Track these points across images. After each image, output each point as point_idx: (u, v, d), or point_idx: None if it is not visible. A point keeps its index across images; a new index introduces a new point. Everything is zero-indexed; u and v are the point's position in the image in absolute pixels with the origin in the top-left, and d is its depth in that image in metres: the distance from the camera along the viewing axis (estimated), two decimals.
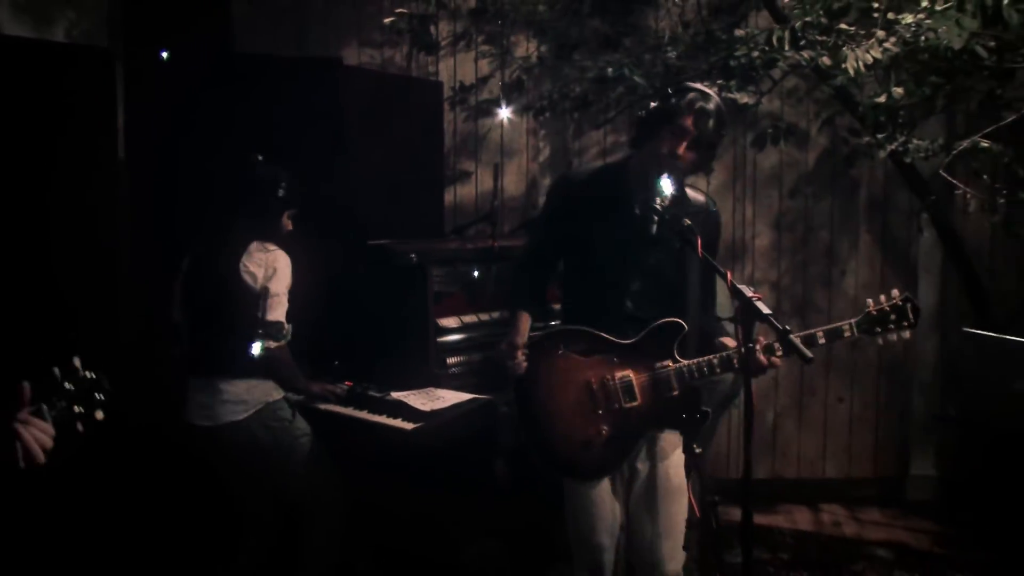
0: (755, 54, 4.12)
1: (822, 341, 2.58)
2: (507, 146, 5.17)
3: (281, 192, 3.37)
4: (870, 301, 2.62)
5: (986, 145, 3.54)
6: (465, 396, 3.55)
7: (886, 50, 3.36)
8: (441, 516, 3.62)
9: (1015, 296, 4.71)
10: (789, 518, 4.83)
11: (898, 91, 3.89)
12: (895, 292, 2.61)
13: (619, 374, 2.71)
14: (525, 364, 2.83)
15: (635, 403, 2.70)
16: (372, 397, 3.56)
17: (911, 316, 2.59)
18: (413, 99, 4.76)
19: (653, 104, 2.73)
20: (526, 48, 5.09)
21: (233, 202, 3.39)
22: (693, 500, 2.64)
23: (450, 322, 3.84)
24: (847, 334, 2.59)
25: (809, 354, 2.26)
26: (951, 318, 4.90)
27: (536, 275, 3.05)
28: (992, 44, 3.63)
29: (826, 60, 3.87)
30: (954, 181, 3.66)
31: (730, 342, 2.71)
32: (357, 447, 3.53)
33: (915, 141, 4.00)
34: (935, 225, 4.60)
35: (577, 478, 2.82)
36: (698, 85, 2.78)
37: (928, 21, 3.49)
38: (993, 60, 3.67)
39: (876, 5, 3.81)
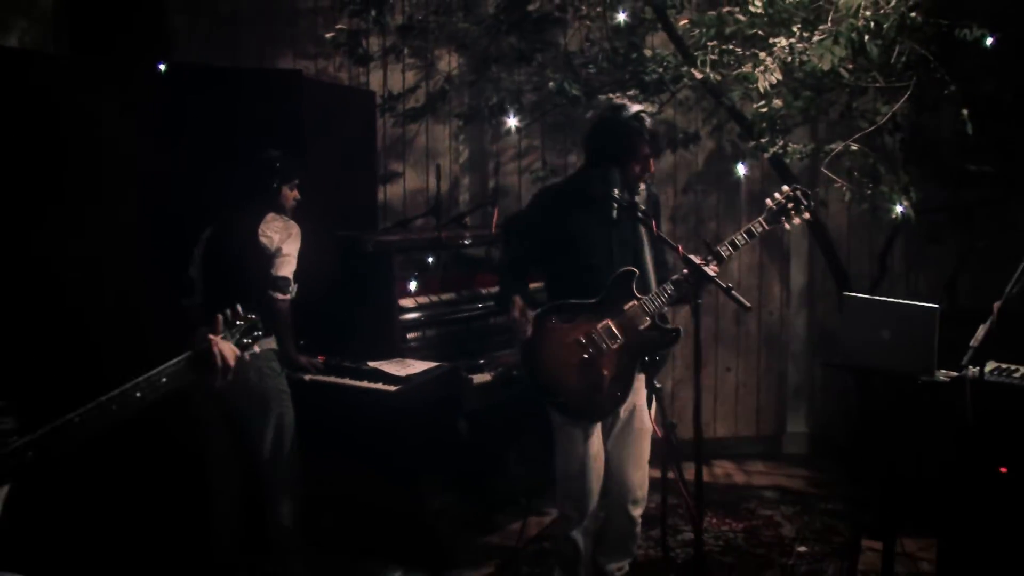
0: (661, 70, 4.85)
1: (742, 241, 3.29)
2: (431, 149, 5.72)
3: (279, 167, 3.89)
4: (768, 200, 3.41)
5: (855, 148, 4.32)
6: (432, 364, 4.10)
7: (768, 69, 4.04)
8: (410, 471, 4.14)
9: (867, 276, 5.56)
10: (688, 472, 5.55)
11: (778, 103, 4.65)
12: (784, 188, 3.38)
13: (599, 324, 3.33)
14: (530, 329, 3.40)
15: (620, 341, 3.33)
16: (349, 367, 4.08)
17: (804, 200, 3.34)
18: (351, 107, 5.26)
19: (611, 138, 3.37)
20: (448, 61, 5.65)
21: (245, 183, 3.87)
22: (655, 424, 3.30)
23: (407, 302, 4.38)
24: (759, 229, 3.34)
25: (747, 304, 2.95)
26: (818, 295, 5.75)
27: (522, 269, 3.65)
28: (850, 67, 4.42)
29: (717, 77, 4.63)
30: (833, 177, 4.41)
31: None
32: (339, 412, 4.02)
33: (791, 145, 4.78)
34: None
35: (591, 418, 3.44)
36: (635, 108, 3.43)
37: (801, 46, 4.26)
38: (852, 80, 4.48)
39: (759, 32, 4.56)
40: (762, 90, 4.06)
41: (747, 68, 4.17)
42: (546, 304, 3.48)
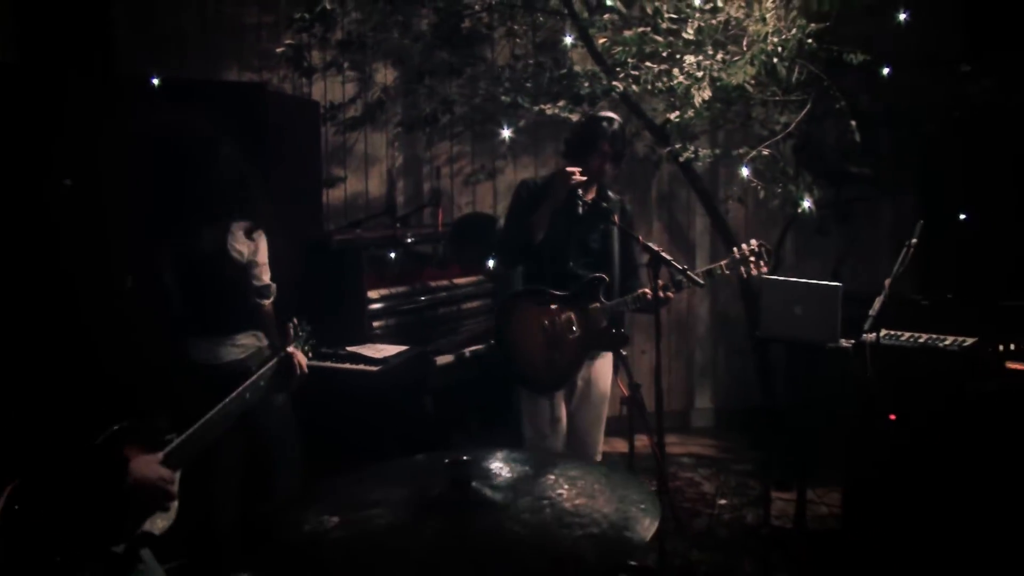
0: (587, 85, 5.44)
1: (703, 278, 3.87)
2: (370, 155, 6.16)
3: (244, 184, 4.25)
4: (734, 249, 3.98)
5: (765, 153, 5.00)
6: (402, 347, 4.57)
7: (701, 88, 4.66)
8: (384, 442, 4.59)
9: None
10: (610, 445, 6.16)
11: (690, 114, 5.29)
12: (753, 241, 3.98)
13: (563, 315, 3.88)
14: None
15: (577, 334, 3.88)
16: (329, 352, 4.50)
17: (766, 257, 3.95)
18: (299, 116, 5.65)
19: (578, 133, 3.92)
20: (385, 74, 6.11)
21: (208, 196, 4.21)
22: (623, 386, 3.87)
23: (372, 294, 4.84)
24: (720, 272, 3.92)
25: (701, 281, 3.56)
26: (720, 286, 6.44)
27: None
28: (753, 83, 5.10)
29: (636, 89, 5.24)
30: (751, 178, 5.06)
31: (643, 290, 3.93)
32: (327, 392, 4.42)
33: (701, 150, 5.43)
34: (708, 213, 6.07)
35: (547, 391, 3.96)
36: (608, 114, 3.99)
37: (708, 63, 4.90)
38: (756, 94, 5.16)
39: (671, 52, 5.18)
40: (697, 104, 4.65)
41: (678, 80, 4.74)
42: (516, 291, 4.00)
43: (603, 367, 4.10)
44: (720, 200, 6.14)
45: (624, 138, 4.00)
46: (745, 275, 3.99)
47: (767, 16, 4.52)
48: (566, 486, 1.59)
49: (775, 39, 4.49)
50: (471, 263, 5.38)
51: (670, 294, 3.81)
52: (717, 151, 5.50)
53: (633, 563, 2.51)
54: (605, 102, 5.43)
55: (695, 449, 6.08)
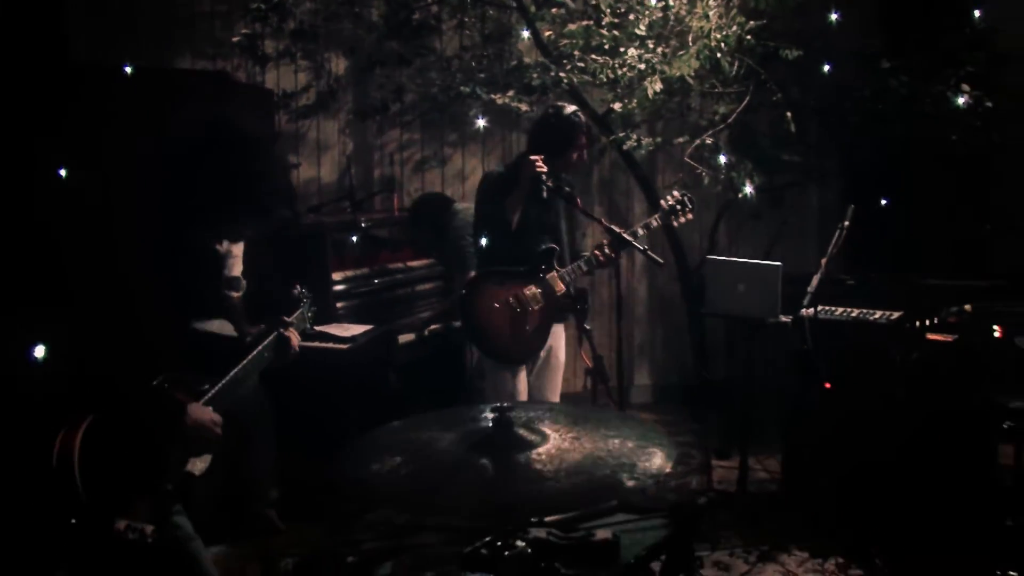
0: (536, 76, 5.69)
1: (642, 232, 4.17)
2: (322, 143, 6.32)
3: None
4: (662, 202, 4.28)
5: (709, 142, 5.33)
6: (367, 326, 4.78)
7: (652, 80, 4.95)
8: (350, 418, 4.79)
9: (698, 249, 6.63)
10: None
11: (633, 104, 5.59)
12: (676, 193, 4.29)
13: (525, 290, 4.14)
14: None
15: (540, 304, 4.14)
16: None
17: (689, 204, 4.27)
18: (257, 104, 5.79)
19: (546, 129, 4.18)
20: (336, 64, 6.27)
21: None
22: (586, 356, 4.14)
23: (336, 276, 5.03)
24: (655, 224, 4.21)
25: (660, 260, 3.85)
26: (657, 269, 6.76)
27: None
28: (693, 76, 5.41)
29: (580, 79, 5.52)
30: (694, 164, 5.38)
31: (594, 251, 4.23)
32: (295, 368, 4.61)
33: (644, 139, 5.74)
34: (647, 198, 6.38)
35: (514, 364, 4.21)
36: (572, 108, 4.25)
37: (648, 56, 5.21)
38: (697, 86, 5.49)
39: (613, 46, 5.45)
40: (650, 95, 4.94)
41: (622, 71, 5.03)
42: (482, 269, 4.24)
43: (560, 337, 4.38)
44: (667, 186, 6.46)
45: (591, 125, 4.29)
46: (675, 224, 4.31)
47: (710, 13, 4.82)
48: (595, 429, 1.84)
49: (718, 35, 4.80)
50: (429, 243, 5.59)
51: (615, 252, 4.12)
52: (658, 139, 5.80)
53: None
54: (553, 93, 5.68)
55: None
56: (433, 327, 5.24)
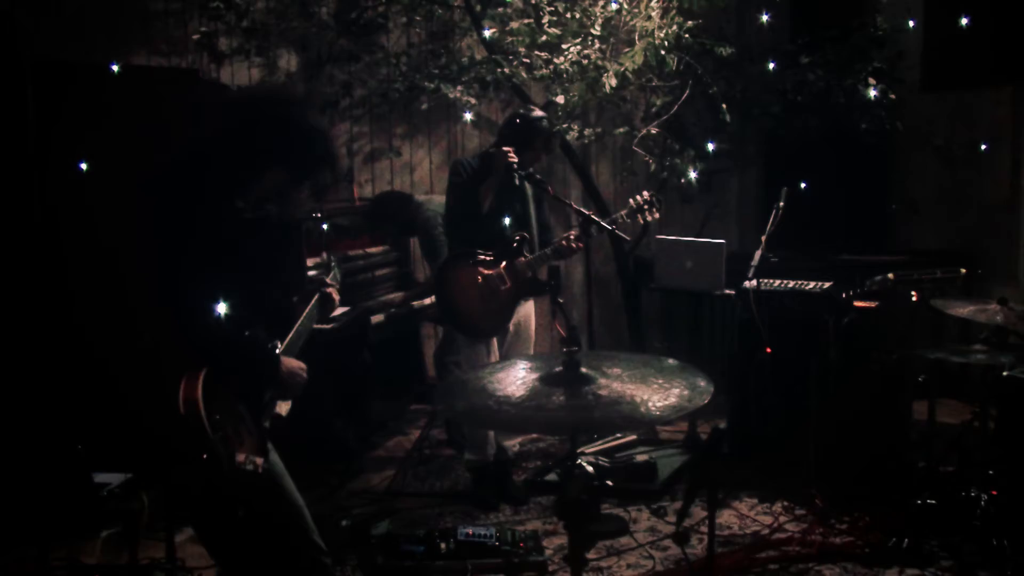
0: (482, 71, 6.06)
1: (610, 224, 4.58)
2: None
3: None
4: (631, 200, 4.69)
5: (654, 132, 5.78)
6: (344, 308, 5.08)
7: (609, 77, 5.37)
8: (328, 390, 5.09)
9: (631, 232, 7.07)
10: None
11: (574, 97, 6.01)
12: (645, 193, 4.71)
13: (495, 271, 4.51)
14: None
15: (508, 285, 4.53)
16: None
17: (657, 205, 4.70)
18: (215, 99, 5.99)
19: (516, 129, 4.55)
20: (288, 60, 6.52)
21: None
22: (560, 328, 4.54)
23: (308, 262, 5.31)
24: (627, 219, 4.62)
25: (628, 238, 4.27)
26: (593, 249, 7.19)
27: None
28: (634, 69, 5.85)
29: (523, 73, 5.91)
30: (640, 152, 5.83)
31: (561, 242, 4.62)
32: None
33: (586, 130, 6.17)
34: (584, 185, 6.81)
35: (484, 338, 4.57)
36: (539, 112, 4.64)
37: (588, 52, 5.64)
38: (636, 81, 5.93)
39: (556, 43, 5.86)
40: (608, 90, 5.36)
41: (564, 65, 5.44)
42: (456, 251, 4.60)
43: (528, 312, 4.78)
44: (601, 173, 6.92)
45: (552, 127, 4.68)
46: (642, 221, 4.71)
47: (652, 14, 5.27)
48: (648, 370, 2.24)
49: (660, 34, 5.26)
50: (389, 235, 5.93)
51: (580, 244, 4.52)
52: (598, 130, 6.24)
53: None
54: (502, 89, 6.06)
55: None
56: (395, 310, 5.59)
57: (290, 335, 2.81)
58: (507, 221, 4.61)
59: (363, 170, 6.75)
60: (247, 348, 2.55)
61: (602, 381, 2.09)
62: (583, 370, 2.14)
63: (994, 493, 4.02)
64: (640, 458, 2.50)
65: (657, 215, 4.72)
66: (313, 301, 3.03)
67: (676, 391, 2.09)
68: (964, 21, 5.56)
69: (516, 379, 2.16)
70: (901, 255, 6.29)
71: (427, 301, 5.75)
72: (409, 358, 6.58)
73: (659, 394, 2.05)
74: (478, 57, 6.15)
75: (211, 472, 2.33)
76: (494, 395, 2.07)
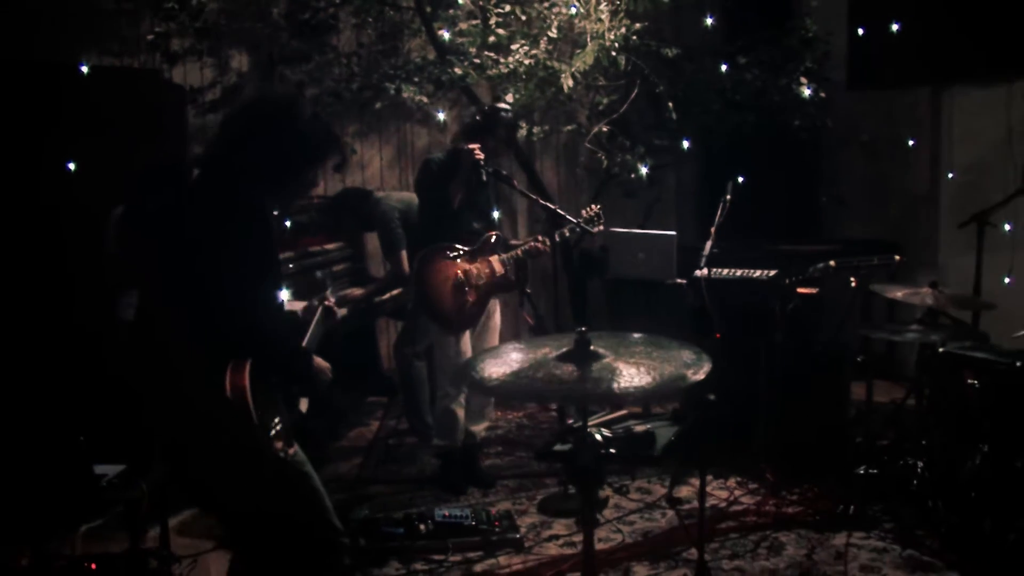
0: (435, 71, 6.24)
1: (569, 233, 4.82)
2: None
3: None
4: (583, 211, 4.94)
5: (605, 129, 6.04)
6: (306, 302, 5.21)
7: (567, 76, 5.60)
8: None
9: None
10: None
11: (520, 97, 6.23)
12: (593, 207, 4.96)
13: (471, 266, 4.72)
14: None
15: (483, 281, 4.73)
16: None
17: (601, 217, 4.95)
18: (171, 99, 6.06)
19: (477, 120, 4.75)
20: (240, 60, 6.60)
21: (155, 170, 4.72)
22: (528, 317, 4.76)
23: None
24: (575, 231, 4.85)
25: (594, 231, 4.52)
26: None
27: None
28: (573, 70, 6.10)
29: (474, 74, 6.12)
30: (594, 148, 6.08)
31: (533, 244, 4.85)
32: None
33: (535, 128, 6.41)
34: (529, 180, 7.03)
35: (459, 331, 4.76)
36: (502, 104, 4.84)
37: (534, 52, 5.87)
38: (583, 80, 6.18)
39: (507, 44, 6.09)
40: (566, 89, 5.59)
41: (510, 65, 5.66)
42: (434, 246, 4.79)
43: (495, 305, 4.99)
44: (544, 169, 7.15)
45: (513, 121, 4.88)
46: (593, 231, 4.95)
47: (602, 16, 5.53)
48: (651, 347, 2.47)
49: (611, 36, 5.52)
50: (346, 231, 6.08)
51: (547, 245, 4.78)
52: (546, 127, 6.48)
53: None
54: (455, 88, 6.25)
55: None
56: (358, 304, 5.75)
57: (307, 337, 2.96)
58: (478, 218, 4.81)
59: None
60: (286, 342, 2.72)
61: (603, 363, 2.32)
62: (594, 349, 2.36)
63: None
64: (639, 428, 2.75)
65: (601, 227, 4.98)
66: (319, 311, 3.18)
67: (678, 364, 2.34)
68: (895, 27, 5.92)
69: (535, 356, 2.38)
70: (833, 244, 6.66)
71: (386, 296, 5.92)
72: (366, 351, 6.73)
73: (669, 367, 2.30)
74: (430, 57, 6.30)
75: (253, 456, 2.49)
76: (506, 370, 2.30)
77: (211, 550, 4.10)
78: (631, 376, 2.26)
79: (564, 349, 2.40)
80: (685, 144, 6.37)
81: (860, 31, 6.54)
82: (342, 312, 4.06)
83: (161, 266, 2.59)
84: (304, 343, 2.95)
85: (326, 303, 3.25)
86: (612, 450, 2.45)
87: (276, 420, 2.63)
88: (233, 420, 2.45)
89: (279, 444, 2.57)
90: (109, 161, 4.84)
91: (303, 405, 2.91)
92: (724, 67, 6.30)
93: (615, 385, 2.23)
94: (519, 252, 4.82)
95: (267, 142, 2.65)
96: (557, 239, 4.66)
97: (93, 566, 3.53)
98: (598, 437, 2.40)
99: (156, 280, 2.64)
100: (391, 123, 6.93)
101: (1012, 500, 3.84)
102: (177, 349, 2.51)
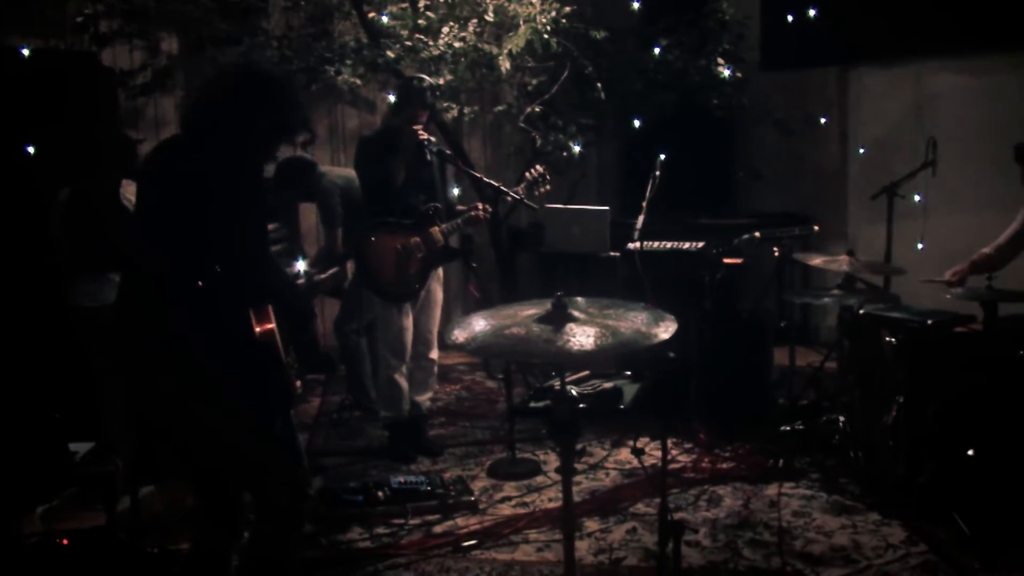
0: (365, 54, 6.35)
1: (510, 198, 5.01)
2: (160, 119, 6.65)
3: (128, 145, 4.86)
4: (526, 174, 5.13)
5: (538, 110, 6.24)
6: None
7: (503, 58, 5.78)
8: None
9: (504, 202, 7.57)
10: None
11: (450, 77, 6.41)
12: (537, 167, 5.16)
13: (412, 240, 4.88)
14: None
15: (423, 253, 4.90)
16: None
17: (547, 178, 5.15)
18: (104, 82, 6.04)
19: (401, 96, 4.91)
20: (170, 43, 6.60)
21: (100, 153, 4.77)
22: (474, 291, 4.95)
23: None
24: (521, 193, 5.04)
25: (535, 206, 4.73)
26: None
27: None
28: (506, 52, 6.30)
29: (407, 57, 6.27)
30: (528, 128, 6.28)
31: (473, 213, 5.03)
32: None
33: (466, 109, 6.58)
34: (460, 159, 7.20)
35: (402, 302, 4.93)
36: (418, 75, 4.99)
37: (464, 35, 6.06)
38: (512, 62, 6.38)
39: (437, 27, 6.25)
40: (504, 72, 5.77)
41: (438, 49, 5.83)
42: (374, 220, 4.94)
43: (439, 279, 5.17)
44: (473, 149, 7.33)
45: (432, 91, 5.01)
46: (537, 193, 5.15)
47: (534, 0, 5.74)
48: (622, 311, 2.69)
49: (543, 19, 5.72)
50: (285, 205, 6.15)
51: (488, 213, 5.01)
52: (476, 108, 6.66)
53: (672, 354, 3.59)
54: (391, 71, 6.38)
55: (459, 360, 7.21)
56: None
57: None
58: (420, 193, 4.97)
59: None
60: (294, 287, 2.92)
61: (578, 324, 2.54)
62: (571, 312, 2.58)
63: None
64: (606, 386, 2.99)
65: (548, 188, 5.18)
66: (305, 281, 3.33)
67: (644, 322, 2.58)
68: (812, 13, 6.23)
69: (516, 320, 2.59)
70: (749, 217, 7.01)
71: (325, 275, 6.02)
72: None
73: (638, 325, 2.53)
74: (363, 40, 6.41)
75: (286, 390, 2.69)
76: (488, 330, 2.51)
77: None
78: (604, 336, 2.48)
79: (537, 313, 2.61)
80: (611, 124, 6.62)
81: (772, 14, 6.88)
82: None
83: (176, 227, 2.71)
84: None
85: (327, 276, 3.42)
86: (582, 404, 2.66)
87: (293, 361, 2.82)
88: (268, 359, 2.63)
89: (298, 383, 2.76)
90: (49, 145, 4.90)
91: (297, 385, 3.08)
92: (657, 50, 6.55)
93: (589, 343, 2.45)
94: (459, 221, 4.99)
95: (258, 112, 2.79)
96: (501, 215, 4.86)
97: (65, 541, 3.63)
98: (574, 393, 2.61)
99: (172, 241, 2.76)
100: (322, 105, 7.02)
101: (923, 446, 4.20)
102: (200, 303, 2.66)
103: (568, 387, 2.71)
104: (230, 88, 2.85)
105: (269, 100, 2.82)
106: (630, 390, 2.98)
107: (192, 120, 2.88)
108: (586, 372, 3.21)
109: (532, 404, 2.83)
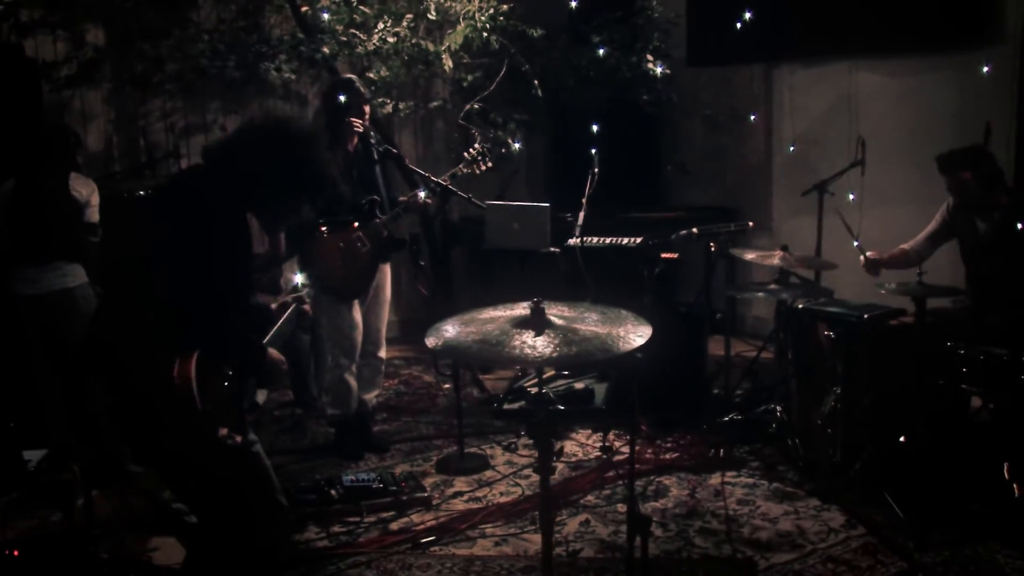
0: (301, 48, 6.31)
1: (447, 180, 5.04)
2: (87, 113, 6.48)
3: (72, 138, 4.77)
4: (465, 153, 5.17)
5: (477, 107, 6.28)
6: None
7: (445, 54, 5.79)
8: None
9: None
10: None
11: (385, 73, 6.42)
12: (477, 145, 5.20)
13: (353, 235, 4.88)
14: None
15: (368, 247, 4.91)
16: None
17: (488, 155, 5.20)
18: (25, 73, 5.86)
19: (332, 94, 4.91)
20: (96, 34, 6.44)
21: (46, 146, 4.68)
22: (423, 288, 4.98)
23: None
24: (464, 171, 5.08)
25: (482, 204, 4.78)
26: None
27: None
28: (445, 49, 6.33)
29: (343, 52, 6.26)
30: (469, 125, 6.31)
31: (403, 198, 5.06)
32: None
33: (401, 104, 6.59)
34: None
35: (349, 299, 4.92)
36: (353, 78, 4.98)
37: (399, 30, 6.08)
38: (450, 58, 6.41)
39: (374, 23, 6.25)
40: (447, 69, 5.78)
41: (378, 43, 5.83)
42: (315, 220, 4.92)
43: (386, 276, 5.18)
44: (404, 143, 7.34)
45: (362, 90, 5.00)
46: (477, 172, 5.18)
47: None
48: (599, 314, 2.78)
49: (481, 16, 5.77)
50: None
51: (429, 200, 5.02)
52: (412, 103, 6.68)
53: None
54: (323, 66, 6.35)
55: (396, 353, 7.22)
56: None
57: (271, 333, 3.09)
58: (363, 190, 4.97)
59: (183, 143, 6.80)
60: (240, 337, 2.85)
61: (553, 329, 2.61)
62: (548, 317, 2.64)
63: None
64: (578, 386, 3.07)
65: (490, 164, 5.21)
66: (291, 309, 3.29)
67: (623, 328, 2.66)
68: (737, 11, 6.39)
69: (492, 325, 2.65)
70: (678, 211, 7.17)
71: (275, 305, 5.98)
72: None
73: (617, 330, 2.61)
74: (297, 34, 6.36)
75: (196, 438, 2.66)
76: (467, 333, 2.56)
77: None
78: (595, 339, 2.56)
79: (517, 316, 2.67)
80: (541, 119, 6.70)
81: (699, 11, 7.04)
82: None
83: (155, 253, 2.68)
84: (266, 339, 3.06)
85: (303, 306, 3.37)
86: (557, 404, 2.74)
87: (224, 409, 2.77)
88: (177, 405, 2.61)
89: (224, 431, 2.71)
90: None
91: (260, 397, 3.04)
92: (601, 51, 6.63)
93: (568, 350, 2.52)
94: (399, 209, 5.00)
95: (279, 166, 2.78)
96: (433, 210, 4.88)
97: (16, 553, 3.55)
98: (552, 395, 2.69)
99: (129, 268, 2.74)
100: (253, 99, 6.93)
101: (858, 434, 4.40)
102: (135, 337, 2.64)
103: (545, 389, 2.78)
104: (258, 134, 2.85)
105: (291, 156, 2.80)
106: (600, 389, 3.08)
107: (213, 154, 2.86)
108: (551, 371, 3.29)
109: (507, 406, 2.90)
